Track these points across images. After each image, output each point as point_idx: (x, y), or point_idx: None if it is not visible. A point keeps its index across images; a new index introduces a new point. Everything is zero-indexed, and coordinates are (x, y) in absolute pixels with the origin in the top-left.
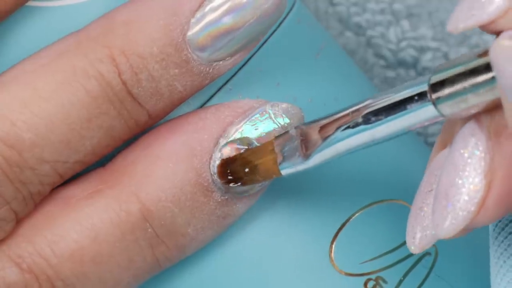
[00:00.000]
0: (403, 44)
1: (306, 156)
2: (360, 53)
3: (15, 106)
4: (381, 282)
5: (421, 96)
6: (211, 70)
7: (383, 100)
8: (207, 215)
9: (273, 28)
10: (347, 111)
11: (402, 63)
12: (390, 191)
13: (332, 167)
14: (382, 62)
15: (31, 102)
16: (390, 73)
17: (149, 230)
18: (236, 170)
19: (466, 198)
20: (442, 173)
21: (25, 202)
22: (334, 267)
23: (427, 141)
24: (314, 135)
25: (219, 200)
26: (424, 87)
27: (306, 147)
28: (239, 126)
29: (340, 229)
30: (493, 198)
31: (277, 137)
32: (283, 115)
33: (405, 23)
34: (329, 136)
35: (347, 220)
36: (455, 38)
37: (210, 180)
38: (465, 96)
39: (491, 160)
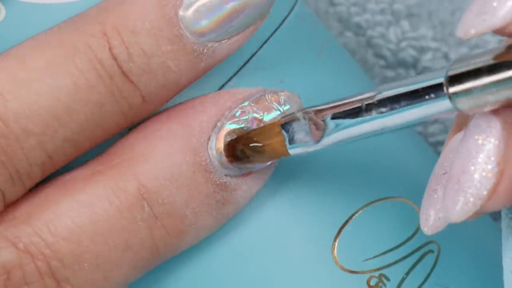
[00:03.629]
0: (403, 44)
1: (317, 139)
2: (360, 53)
3: (1, 77)
4: (383, 279)
5: (437, 88)
6: (205, 51)
7: (397, 89)
8: (206, 198)
9: (276, 26)
10: (360, 97)
11: (402, 63)
12: (392, 189)
13: (334, 165)
14: (382, 62)
15: (17, 73)
16: (390, 73)
17: (147, 209)
18: (243, 150)
19: (478, 184)
20: (455, 157)
21: (13, 181)
22: (336, 264)
23: (427, 141)
24: (325, 117)
25: (218, 182)
26: (441, 80)
27: (317, 129)
28: (237, 110)
29: (342, 226)
30: (504, 186)
31: (283, 118)
32: (284, 102)
33: (405, 23)
34: (340, 120)
35: (350, 218)
36: (455, 38)
37: (208, 160)
38: (482, 93)
39: (505, 149)
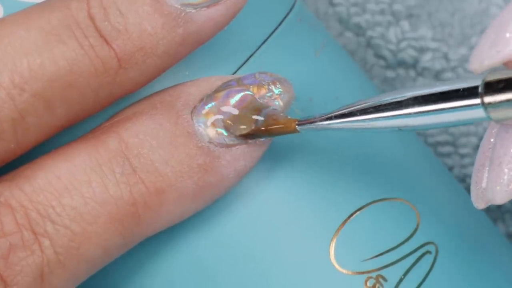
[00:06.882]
0: (403, 44)
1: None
2: (360, 53)
3: None
4: (381, 280)
5: (471, 96)
6: (183, 15)
7: (427, 90)
8: (186, 158)
9: (274, 26)
10: (384, 99)
11: (402, 64)
12: (390, 189)
13: (333, 165)
14: (382, 63)
15: None
16: (390, 74)
17: (126, 164)
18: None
19: None
20: (495, 140)
21: None
22: (334, 265)
23: (427, 141)
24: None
25: (199, 145)
26: (477, 88)
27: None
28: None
29: (340, 227)
30: None
31: (300, 122)
32: (276, 83)
33: (405, 24)
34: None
35: (348, 218)
36: (455, 38)
37: (191, 122)
38: None
39: None
